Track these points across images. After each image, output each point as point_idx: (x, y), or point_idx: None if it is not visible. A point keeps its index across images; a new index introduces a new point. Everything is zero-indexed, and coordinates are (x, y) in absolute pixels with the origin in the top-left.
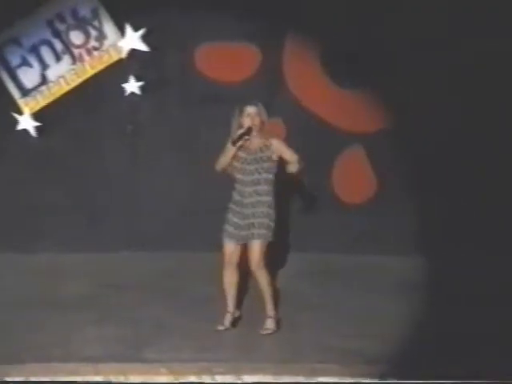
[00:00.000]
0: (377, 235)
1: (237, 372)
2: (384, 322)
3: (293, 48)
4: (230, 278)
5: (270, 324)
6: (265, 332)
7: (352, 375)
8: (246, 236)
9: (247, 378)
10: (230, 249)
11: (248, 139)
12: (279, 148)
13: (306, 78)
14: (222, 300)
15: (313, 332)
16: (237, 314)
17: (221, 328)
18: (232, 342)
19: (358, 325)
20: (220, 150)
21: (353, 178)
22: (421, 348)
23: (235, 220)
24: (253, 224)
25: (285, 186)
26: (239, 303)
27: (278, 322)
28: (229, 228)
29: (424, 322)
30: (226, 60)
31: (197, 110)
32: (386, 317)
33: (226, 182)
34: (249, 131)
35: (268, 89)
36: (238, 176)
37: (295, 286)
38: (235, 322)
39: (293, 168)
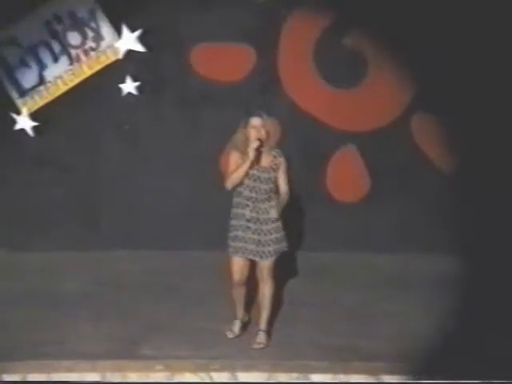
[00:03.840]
0: (369, 233)
1: (232, 369)
2: (377, 319)
3: (287, 48)
4: (241, 293)
5: (261, 338)
6: (257, 346)
7: (345, 372)
8: (263, 251)
9: (242, 375)
10: (243, 265)
11: (260, 151)
12: (281, 172)
13: (300, 78)
14: (218, 298)
15: (307, 329)
16: (246, 318)
17: (230, 336)
18: (227, 340)
19: (351, 322)
20: (219, 152)
21: (346, 177)
22: (413, 344)
23: (254, 236)
24: (276, 239)
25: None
26: (248, 308)
27: (270, 336)
28: (245, 245)
29: (416, 318)
30: (221, 60)
31: (193, 110)
32: (378, 314)
33: (222, 182)
34: (262, 144)
35: (263, 89)
36: (251, 194)
37: (289, 283)
38: (244, 327)
39: (281, 200)
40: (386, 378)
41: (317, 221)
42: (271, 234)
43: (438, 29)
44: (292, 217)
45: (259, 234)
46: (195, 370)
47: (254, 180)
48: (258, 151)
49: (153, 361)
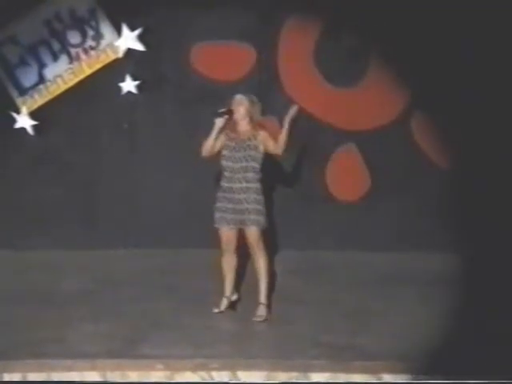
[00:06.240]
0: (368, 232)
1: (232, 368)
2: (376, 318)
3: (287, 47)
4: (229, 263)
5: (261, 311)
6: (257, 319)
7: (345, 371)
8: (242, 220)
9: (242, 374)
10: (227, 234)
11: (227, 118)
12: (265, 139)
13: (300, 76)
14: (217, 295)
15: (306, 328)
16: (234, 297)
17: (216, 311)
18: (227, 338)
19: (350, 321)
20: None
21: (346, 176)
22: (413, 343)
23: (229, 206)
24: (247, 209)
25: (278, 183)
26: (237, 286)
27: (269, 310)
28: (223, 214)
29: (416, 317)
30: (221, 59)
31: (192, 109)
32: (378, 313)
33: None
34: (229, 112)
35: (263, 87)
36: (228, 163)
37: (288, 282)
38: (233, 306)
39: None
40: (387, 377)
41: (316, 219)
42: (248, 203)
43: (437, 27)
44: (291, 215)
45: (235, 203)
46: (195, 368)
47: (230, 150)
48: (226, 117)
49: (153, 360)
